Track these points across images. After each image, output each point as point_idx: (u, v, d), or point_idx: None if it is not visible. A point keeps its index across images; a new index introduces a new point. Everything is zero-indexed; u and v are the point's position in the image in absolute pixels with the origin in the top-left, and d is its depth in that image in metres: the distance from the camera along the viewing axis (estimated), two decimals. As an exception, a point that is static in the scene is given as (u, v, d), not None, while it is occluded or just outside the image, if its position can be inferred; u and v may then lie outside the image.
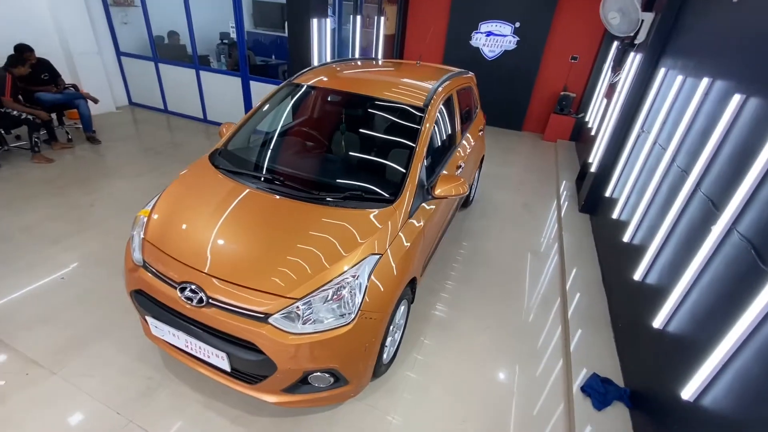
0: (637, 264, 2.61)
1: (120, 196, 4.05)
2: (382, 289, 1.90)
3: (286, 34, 6.97)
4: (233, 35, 5.58)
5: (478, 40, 7.34)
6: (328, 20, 5.07)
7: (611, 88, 4.82)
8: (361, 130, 2.93)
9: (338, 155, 2.93)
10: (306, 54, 4.92)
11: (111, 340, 2.45)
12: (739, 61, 2.16)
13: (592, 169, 4.32)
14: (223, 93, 6.10)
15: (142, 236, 2.07)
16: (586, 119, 6.51)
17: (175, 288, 1.84)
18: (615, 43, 5.33)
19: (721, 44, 2.45)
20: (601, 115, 4.96)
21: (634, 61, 3.80)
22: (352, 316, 1.78)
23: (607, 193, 3.89)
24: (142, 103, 6.99)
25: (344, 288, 1.79)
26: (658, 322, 2.13)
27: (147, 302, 1.98)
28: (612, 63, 5.14)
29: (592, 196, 4.33)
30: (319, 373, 1.82)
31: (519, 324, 2.95)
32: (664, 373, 2.00)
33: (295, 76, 3.00)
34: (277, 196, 2.20)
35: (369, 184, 2.32)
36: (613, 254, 3.24)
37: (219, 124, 6.38)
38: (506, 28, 7.08)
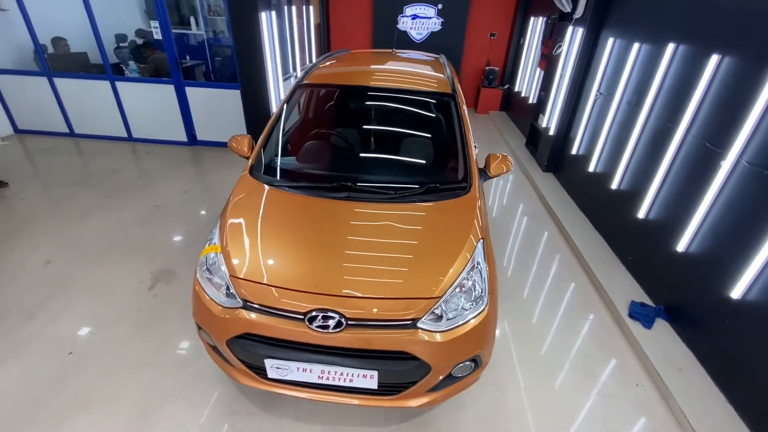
0: (638, 204, 3.13)
1: (81, 244, 3.36)
2: (488, 269, 2.00)
3: (192, 31, 6.32)
4: (157, 35, 4.85)
5: (405, 23, 7.53)
6: (273, 13, 4.74)
7: (545, 59, 5.45)
8: (402, 123, 2.90)
9: (390, 151, 2.86)
10: (257, 52, 4.57)
11: (181, 403, 2.13)
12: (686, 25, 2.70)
13: (551, 132, 4.88)
14: (152, 105, 5.31)
15: (228, 275, 1.83)
16: (516, 89, 7.22)
17: (302, 319, 1.69)
18: (541, 19, 5.98)
19: (668, 11, 3.00)
20: (540, 84, 5.57)
21: (575, 34, 4.35)
22: (485, 299, 1.86)
23: (573, 152, 4.47)
24: (35, 129, 5.70)
25: (473, 276, 1.85)
26: (681, 246, 2.62)
27: (258, 345, 1.77)
28: (542, 37, 5.77)
29: (553, 157, 4.92)
30: (462, 364, 1.87)
31: (544, 279, 3.31)
32: (695, 285, 2.49)
33: (303, 76, 2.81)
34: (357, 203, 2.12)
35: (436, 175, 2.36)
36: (602, 202, 3.78)
37: (152, 141, 5.56)
38: (430, 11, 7.38)
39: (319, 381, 1.80)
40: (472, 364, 1.92)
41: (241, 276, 1.80)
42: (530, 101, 6.24)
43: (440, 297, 1.75)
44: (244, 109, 5.10)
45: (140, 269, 3.08)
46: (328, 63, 3.12)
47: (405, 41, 7.66)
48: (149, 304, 2.77)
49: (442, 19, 7.44)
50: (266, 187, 2.23)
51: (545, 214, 4.30)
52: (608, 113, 3.74)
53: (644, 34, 3.30)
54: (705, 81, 2.54)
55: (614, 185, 3.54)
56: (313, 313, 1.67)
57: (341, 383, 1.79)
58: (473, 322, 1.80)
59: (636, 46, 3.37)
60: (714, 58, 2.47)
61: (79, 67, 5.54)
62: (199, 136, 5.53)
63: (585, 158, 4.17)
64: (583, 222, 3.98)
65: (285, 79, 5.40)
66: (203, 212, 3.94)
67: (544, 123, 5.16)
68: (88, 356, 2.36)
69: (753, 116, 2.15)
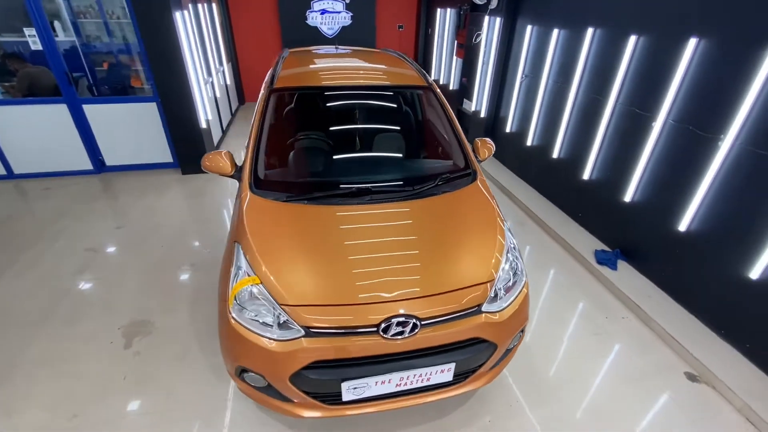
0: (581, 167, 3.64)
1: (4, 318, 2.65)
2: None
3: (59, 38, 5.27)
4: (35, 45, 3.93)
5: (314, 18, 7.33)
6: (186, 12, 4.23)
7: (462, 48, 5.87)
8: (392, 120, 2.86)
9: (392, 148, 2.79)
10: (176, 58, 4.05)
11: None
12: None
13: (482, 115, 5.32)
14: (39, 131, 4.31)
15: (279, 305, 1.66)
16: (432, 77, 7.62)
17: (375, 330, 1.64)
18: (449, 10, 6.37)
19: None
20: (461, 72, 5.99)
21: (493, 23, 4.78)
22: (524, 272, 2.02)
23: (507, 130, 4.95)
24: None
25: (512, 255, 1.99)
26: (628, 197, 3.15)
27: (331, 371, 1.66)
28: (455, 27, 6.18)
29: (487, 136, 5.38)
30: (517, 335, 2.01)
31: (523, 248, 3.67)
32: (646, 227, 3.03)
33: (271, 80, 2.60)
34: (378, 204, 2.08)
35: (443, 166, 2.43)
36: (545, 170, 4.28)
37: (46, 175, 4.55)
38: (338, 5, 7.31)
39: (398, 389, 1.77)
40: (521, 333, 2.08)
41: (296, 303, 1.66)
42: (451, 88, 6.67)
43: (494, 279, 1.85)
44: (166, 123, 4.47)
45: (103, 329, 2.57)
46: (290, 65, 2.93)
47: (317, 37, 7.48)
48: (134, 365, 2.34)
49: (351, 13, 7.43)
50: (279, 203, 2.05)
51: (493, 188, 4.71)
52: (537, 93, 4.23)
53: (563, 21, 3.80)
54: (626, 58, 3.05)
55: (555, 155, 4.05)
56: (386, 323, 1.63)
57: (419, 384, 1.78)
58: (521, 296, 1.94)
59: (556, 31, 3.86)
60: (632, 39, 2.99)
61: None
62: (109, 161, 4.70)
63: (521, 134, 4.66)
64: (529, 191, 4.47)
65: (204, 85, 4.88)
66: (161, 246, 3.41)
67: (472, 107, 5.58)
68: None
69: (674, 83, 2.67)
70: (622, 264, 3.22)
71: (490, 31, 4.88)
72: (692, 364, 2.45)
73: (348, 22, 7.50)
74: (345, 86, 2.63)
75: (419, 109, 2.97)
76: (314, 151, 2.60)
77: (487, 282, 1.82)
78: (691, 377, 2.39)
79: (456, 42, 6.24)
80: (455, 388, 1.90)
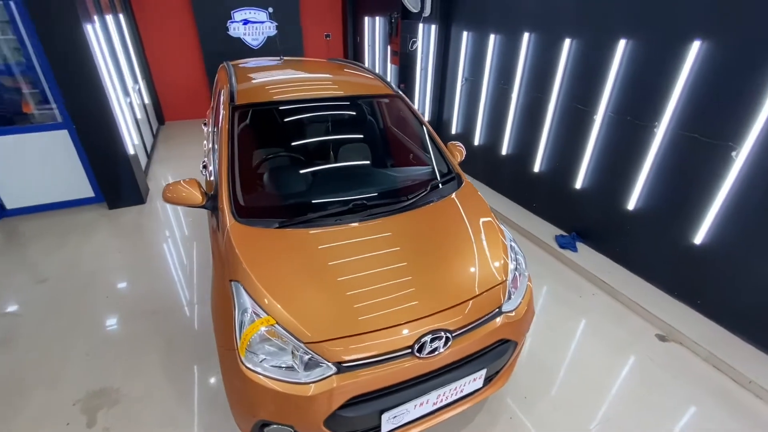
0: (531, 162, 3.92)
1: None
2: None
3: None
4: None
5: (236, 29, 6.91)
6: (96, 25, 3.70)
7: (397, 55, 5.98)
8: (369, 131, 2.75)
9: (376, 161, 2.70)
10: (91, 77, 3.52)
11: None
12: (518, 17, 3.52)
13: (426, 118, 5.47)
14: None
15: (303, 344, 1.50)
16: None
17: (410, 352, 1.57)
18: (379, 18, 6.45)
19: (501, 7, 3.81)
20: (399, 78, 6.10)
21: (429, 30, 4.95)
22: (526, 267, 2.09)
23: (453, 131, 5.15)
24: None
25: (513, 251, 2.05)
26: (578, 184, 3.47)
27: (369, 404, 1.55)
28: (387, 35, 6.27)
29: (433, 139, 5.55)
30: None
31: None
32: (597, 210, 3.36)
33: (231, 96, 2.37)
34: (378, 219, 2.00)
35: (429, 173, 2.42)
36: (495, 167, 4.53)
37: None
38: (261, 14, 6.99)
39: (435, 407, 1.71)
40: (530, 326, 2.15)
41: (322, 338, 1.51)
42: (389, 94, 6.76)
43: (507, 280, 1.89)
44: (83, 152, 3.84)
45: (54, 410, 2.10)
46: (245, 79, 2.70)
47: (242, 49, 7.07)
48: (106, 445, 1.95)
49: (276, 23, 7.16)
50: (270, 230, 1.86)
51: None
52: (480, 95, 4.47)
53: (498, 27, 4.06)
54: (563, 59, 3.36)
55: (503, 152, 4.31)
56: (421, 343, 1.57)
57: (454, 397, 1.75)
58: (529, 291, 2.01)
59: (492, 36, 4.11)
60: (567, 42, 3.30)
61: None
62: (10, 204, 3.90)
63: (467, 135, 4.88)
64: (482, 187, 4.70)
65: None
66: (106, 296, 2.89)
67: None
68: None
69: (610, 80, 3.01)
70: (580, 245, 3.53)
71: (426, 37, 5.05)
72: (659, 326, 2.75)
73: (273, 32, 7.21)
74: (318, 98, 2.49)
75: (389, 118, 2.95)
76: (296, 169, 2.43)
77: (501, 283, 1.85)
78: (661, 338, 2.70)
79: (390, 49, 6.35)
80: (483, 392, 1.90)
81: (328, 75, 2.92)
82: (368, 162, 2.67)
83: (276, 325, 1.53)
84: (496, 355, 1.79)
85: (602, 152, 3.24)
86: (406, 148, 2.82)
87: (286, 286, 1.64)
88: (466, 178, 2.44)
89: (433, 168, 2.48)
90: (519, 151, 4.15)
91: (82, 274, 3.15)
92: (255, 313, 1.57)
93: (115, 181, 4.02)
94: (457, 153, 2.69)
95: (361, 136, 2.82)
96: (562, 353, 2.56)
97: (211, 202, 2.11)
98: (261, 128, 2.60)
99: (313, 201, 2.11)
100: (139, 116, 5.20)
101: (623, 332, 2.74)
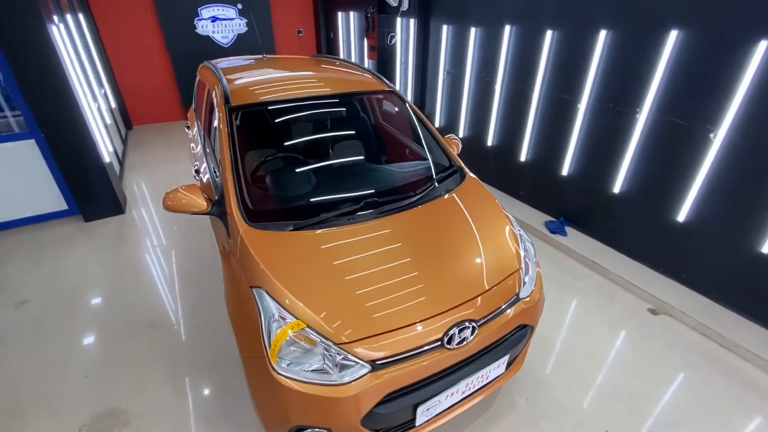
0: (517, 151, 4.03)
1: None
2: None
3: None
4: None
5: (205, 27, 6.64)
6: (61, 25, 3.46)
7: (374, 50, 5.95)
8: (365, 126, 2.73)
9: (381, 156, 2.69)
10: (60, 82, 3.30)
11: None
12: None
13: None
14: None
15: (335, 345, 1.49)
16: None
17: (440, 344, 1.59)
18: (353, 13, 6.37)
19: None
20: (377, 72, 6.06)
21: (408, 24, 4.95)
22: (534, 254, 2.16)
23: (436, 125, 5.20)
24: None
25: (522, 239, 2.11)
26: (564, 171, 3.60)
27: (404, 399, 1.56)
28: (363, 30, 6.21)
29: (416, 133, 5.58)
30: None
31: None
32: (585, 194, 3.51)
33: (225, 97, 2.29)
34: (392, 215, 2.01)
35: (433, 167, 2.43)
36: (480, 158, 4.61)
37: None
38: (230, 11, 6.74)
39: (464, 395, 1.75)
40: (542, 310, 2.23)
41: (355, 338, 1.51)
42: (367, 90, 6.72)
43: (521, 267, 1.94)
44: (54, 163, 3.59)
45: (57, 435, 1.98)
46: (235, 78, 2.62)
47: (211, 47, 6.80)
48: (122, 468, 1.86)
49: (246, 20, 6.93)
50: (286, 233, 1.83)
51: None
52: (463, 87, 4.53)
53: (479, 20, 4.12)
54: (545, 50, 3.47)
55: (489, 142, 4.40)
56: (450, 335, 1.59)
57: (480, 384, 1.79)
58: (539, 277, 2.08)
59: (473, 30, 4.17)
60: (549, 33, 3.40)
61: None
62: (-27, 223, 3.60)
63: (451, 127, 4.94)
64: (469, 178, 4.79)
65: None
66: (95, 313, 2.73)
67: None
68: None
69: (592, 69, 3.13)
70: (569, 230, 3.67)
71: (405, 32, 5.05)
72: (650, 301, 2.92)
73: (243, 29, 6.98)
74: (318, 96, 2.46)
75: (388, 114, 2.94)
76: (303, 169, 2.38)
77: (517, 271, 1.90)
78: (653, 311, 2.86)
79: (367, 44, 6.30)
80: (504, 377, 1.95)
81: (322, 73, 2.87)
82: (375, 159, 2.67)
83: (306, 329, 1.51)
84: (516, 341, 1.85)
85: (587, 139, 3.38)
86: (409, 144, 2.83)
87: (311, 288, 1.62)
88: (468, 170, 2.48)
89: (439, 162, 2.50)
90: (504, 142, 4.25)
91: (66, 293, 2.97)
92: (282, 317, 1.54)
93: (91, 191, 3.79)
94: (455, 146, 2.73)
95: (364, 132, 2.81)
96: (566, 333, 2.67)
97: (217, 207, 2.04)
98: (263, 129, 2.53)
99: (325, 200, 2.08)
100: (108, 121, 4.91)
101: (617, 308, 2.89)
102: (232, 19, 6.81)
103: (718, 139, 2.52)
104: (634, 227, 3.20)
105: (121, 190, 4.21)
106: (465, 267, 1.84)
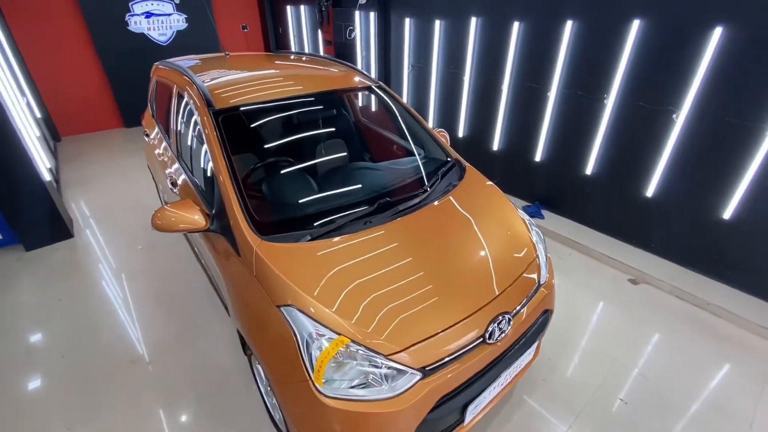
0: (489, 141, 4.14)
1: None
2: None
3: None
4: None
5: (138, 23, 6.01)
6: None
7: (330, 45, 5.78)
8: (362, 125, 2.59)
9: (381, 155, 2.57)
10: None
11: None
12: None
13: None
14: None
15: (383, 357, 1.42)
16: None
17: (482, 341, 1.58)
18: (303, 7, 6.12)
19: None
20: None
21: (368, 18, 4.85)
22: (543, 239, 2.23)
23: (403, 119, 5.18)
24: None
25: (531, 224, 2.16)
26: (537, 157, 3.77)
27: (455, 400, 1.53)
28: (317, 24, 5.98)
29: (382, 128, 5.54)
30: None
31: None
32: (558, 177, 3.70)
33: (207, 101, 2.08)
34: (406, 216, 1.95)
35: (434, 163, 2.40)
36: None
37: None
38: (167, 6, 6.17)
39: (501, 387, 1.77)
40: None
41: (402, 347, 1.46)
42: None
43: (537, 255, 1.99)
44: (-20, 186, 3.06)
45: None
46: (211, 77, 2.39)
47: (147, 45, 6.18)
48: None
49: (185, 15, 6.38)
50: (302, 244, 1.70)
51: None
52: (430, 80, 4.55)
53: (443, 13, 4.14)
54: (513, 41, 3.57)
55: (460, 134, 4.47)
56: (490, 330, 1.59)
57: (515, 373, 1.82)
58: (550, 262, 2.15)
59: (438, 22, 4.19)
60: (516, 24, 3.50)
61: None
62: None
63: (419, 121, 4.95)
64: (442, 170, 4.85)
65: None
66: (62, 356, 2.37)
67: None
68: None
69: (560, 58, 3.28)
70: (546, 213, 3.86)
71: (365, 25, 4.95)
72: (629, 272, 3.16)
73: (183, 25, 6.43)
74: (308, 94, 2.31)
75: (379, 109, 2.85)
76: (307, 173, 2.23)
77: (535, 258, 1.95)
78: (633, 282, 3.10)
79: (322, 38, 6.10)
80: (531, 361, 2.00)
81: (302, 70, 2.71)
82: (376, 157, 2.58)
83: (351, 344, 1.42)
84: (543, 325, 1.89)
85: (558, 125, 3.55)
86: (407, 140, 2.76)
87: (346, 300, 1.53)
88: (465, 162, 2.49)
89: (439, 156, 2.48)
90: (476, 133, 4.34)
91: (19, 337, 2.55)
92: (320, 334, 1.43)
93: (30, 215, 3.29)
94: (444, 139, 2.72)
95: (360, 130, 2.71)
96: (560, 311, 2.78)
97: (217, 222, 1.85)
98: (255, 133, 2.33)
99: (337, 205, 1.96)
100: (37, 134, 4.28)
101: (600, 282, 3.10)
102: (169, 14, 6.24)
103: (681, 119, 2.76)
104: (606, 205, 3.43)
105: (66, 211, 3.70)
106: (492, 260, 1.84)
